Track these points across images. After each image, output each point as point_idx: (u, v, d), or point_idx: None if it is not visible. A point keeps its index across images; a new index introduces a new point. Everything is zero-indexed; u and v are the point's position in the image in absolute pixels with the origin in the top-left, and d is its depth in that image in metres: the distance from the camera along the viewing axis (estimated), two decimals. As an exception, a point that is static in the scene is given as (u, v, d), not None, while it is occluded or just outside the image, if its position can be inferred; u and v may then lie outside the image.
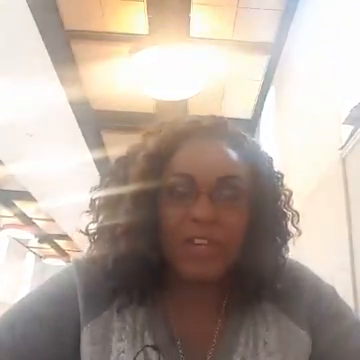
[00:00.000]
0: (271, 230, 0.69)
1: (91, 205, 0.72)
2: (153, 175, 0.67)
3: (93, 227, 0.71)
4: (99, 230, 0.70)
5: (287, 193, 0.72)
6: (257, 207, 0.67)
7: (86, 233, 0.71)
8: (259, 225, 0.67)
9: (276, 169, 0.73)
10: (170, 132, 0.70)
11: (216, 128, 0.71)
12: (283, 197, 0.72)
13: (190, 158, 0.67)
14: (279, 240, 0.70)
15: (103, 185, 0.72)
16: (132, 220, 0.66)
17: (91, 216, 0.72)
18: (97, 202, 0.71)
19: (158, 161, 0.67)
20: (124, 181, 0.69)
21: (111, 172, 0.73)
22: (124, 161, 0.72)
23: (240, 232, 0.66)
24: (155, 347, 0.66)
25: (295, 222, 0.72)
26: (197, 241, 0.63)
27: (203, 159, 0.67)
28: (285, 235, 0.71)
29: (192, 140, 0.69)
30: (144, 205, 0.66)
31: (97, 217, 0.71)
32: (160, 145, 0.68)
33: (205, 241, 0.63)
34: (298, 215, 0.72)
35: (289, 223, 0.72)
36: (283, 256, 0.71)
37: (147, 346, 0.66)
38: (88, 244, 0.72)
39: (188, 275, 0.65)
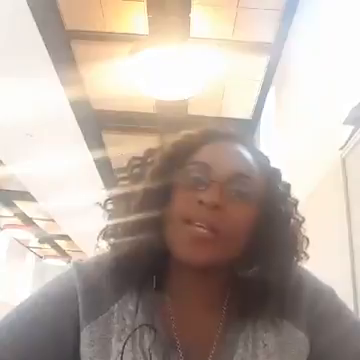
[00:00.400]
0: (279, 247, 0.70)
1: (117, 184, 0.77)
2: (175, 162, 0.71)
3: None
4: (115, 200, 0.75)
5: (300, 219, 0.75)
6: (267, 224, 0.69)
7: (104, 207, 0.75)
8: (268, 239, 0.68)
9: (292, 196, 0.76)
10: (201, 130, 0.76)
11: (245, 137, 0.76)
12: (295, 222, 0.74)
13: (211, 151, 0.72)
14: (287, 259, 0.71)
15: (129, 168, 0.76)
16: (146, 207, 0.69)
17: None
18: (121, 181, 0.77)
19: (183, 151, 0.72)
20: (149, 165, 0.74)
21: (139, 158, 0.77)
22: (154, 151, 0.77)
23: (242, 229, 0.67)
24: (151, 326, 0.67)
25: (304, 247, 0.74)
26: (197, 223, 0.65)
27: (223, 154, 0.72)
28: (292, 255, 0.72)
29: (219, 140, 0.74)
30: (160, 190, 0.69)
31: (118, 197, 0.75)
32: (189, 137, 0.74)
33: (203, 224, 0.65)
34: (308, 241, 0.74)
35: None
36: (289, 274, 0.71)
37: (144, 325, 0.67)
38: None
39: (181, 256, 0.66)
